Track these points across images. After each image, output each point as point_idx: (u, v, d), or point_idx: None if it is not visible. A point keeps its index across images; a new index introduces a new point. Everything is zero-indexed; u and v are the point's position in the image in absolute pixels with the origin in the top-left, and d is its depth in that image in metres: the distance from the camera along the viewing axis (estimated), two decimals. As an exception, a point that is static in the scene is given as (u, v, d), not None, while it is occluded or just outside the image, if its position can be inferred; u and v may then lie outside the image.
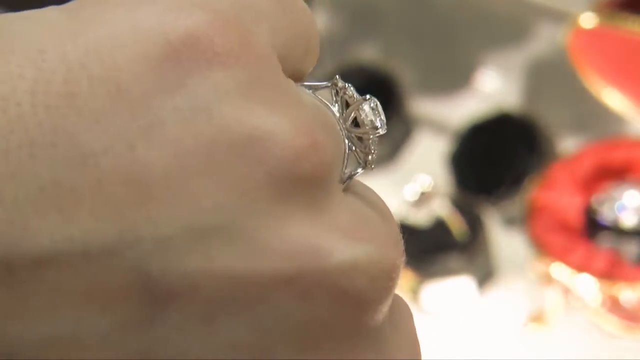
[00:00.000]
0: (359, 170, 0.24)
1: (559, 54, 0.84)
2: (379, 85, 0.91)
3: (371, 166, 0.24)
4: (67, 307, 0.20)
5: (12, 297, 0.20)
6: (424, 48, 0.96)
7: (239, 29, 0.22)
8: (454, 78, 0.95)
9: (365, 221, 0.23)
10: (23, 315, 0.20)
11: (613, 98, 0.84)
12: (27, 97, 0.20)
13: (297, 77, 0.24)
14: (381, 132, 0.24)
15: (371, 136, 0.24)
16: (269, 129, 0.21)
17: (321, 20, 0.94)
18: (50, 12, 0.22)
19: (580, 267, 0.75)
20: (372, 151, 0.24)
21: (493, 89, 0.94)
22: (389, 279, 0.22)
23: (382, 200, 0.25)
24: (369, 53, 0.98)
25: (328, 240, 0.21)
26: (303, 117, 0.22)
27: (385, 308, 0.22)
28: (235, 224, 0.21)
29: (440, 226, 0.80)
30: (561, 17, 0.84)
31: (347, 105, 0.24)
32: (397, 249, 0.23)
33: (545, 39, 0.91)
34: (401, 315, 0.24)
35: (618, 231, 0.77)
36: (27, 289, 0.20)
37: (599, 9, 0.81)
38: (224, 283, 0.21)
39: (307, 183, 0.22)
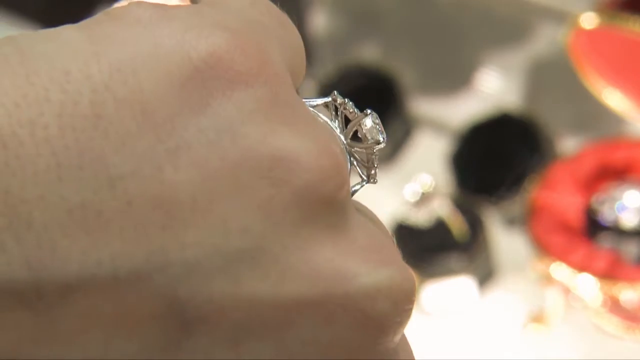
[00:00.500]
0: (364, 184, 0.24)
1: (560, 54, 0.84)
2: (379, 86, 0.91)
3: (374, 180, 0.24)
4: (96, 332, 0.20)
5: (41, 321, 0.20)
6: (424, 48, 0.96)
7: (257, 47, 0.22)
8: (455, 78, 0.96)
9: (381, 242, 0.23)
10: (52, 340, 0.20)
11: (613, 98, 0.84)
12: (54, 120, 0.20)
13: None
14: (382, 146, 0.24)
15: (374, 150, 0.24)
16: (293, 149, 0.21)
17: (322, 21, 0.95)
18: (69, 32, 0.22)
19: (581, 267, 0.75)
20: (375, 165, 0.24)
21: (493, 89, 0.94)
22: (409, 301, 0.22)
23: (374, 214, 0.25)
24: (369, 53, 0.98)
25: (352, 264, 0.21)
26: (322, 136, 0.22)
27: (403, 329, 0.23)
28: (262, 247, 0.21)
29: (440, 226, 0.80)
30: (562, 18, 0.84)
31: (347, 120, 0.24)
32: (409, 270, 0.23)
33: (545, 39, 0.91)
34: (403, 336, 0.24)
35: (618, 231, 0.77)
36: (56, 314, 0.20)
37: (599, 9, 0.81)
38: (250, 307, 0.21)
39: (331, 204, 0.22)
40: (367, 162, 0.24)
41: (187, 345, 0.21)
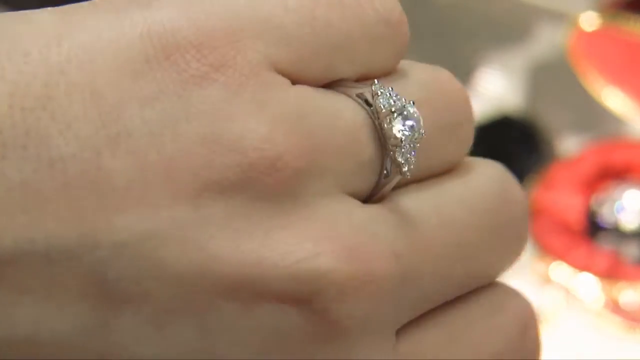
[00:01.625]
0: (396, 178, 0.24)
1: (560, 55, 0.85)
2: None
3: (407, 175, 0.24)
4: (25, 306, 0.21)
5: None
6: (424, 49, 0.96)
7: (226, 41, 0.23)
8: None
9: (350, 235, 0.23)
10: None
11: (614, 99, 0.85)
12: (5, 99, 0.21)
13: (362, 77, 0.25)
14: (419, 137, 0.24)
15: (410, 144, 0.24)
16: (233, 139, 0.22)
17: None
18: (42, 14, 0.22)
19: (581, 268, 0.75)
20: (410, 159, 0.24)
21: (494, 90, 0.94)
22: (368, 299, 0.22)
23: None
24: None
25: (274, 252, 0.22)
26: (278, 128, 0.22)
27: (371, 337, 0.23)
28: (189, 236, 0.21)
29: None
30: (562, 19, 0.84)
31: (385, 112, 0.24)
32: (386, 267, 0.23)
33: (546, 41, 0.91)
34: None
35: (619, 232, 0.77)
36: None
37: (600, 10, 0.81)
38: (174, 290, 0.22)
39: (266, 195, 0.22)
40: (402, 156, 0.24)
41: (116, 326, 0.22)
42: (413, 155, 0.24)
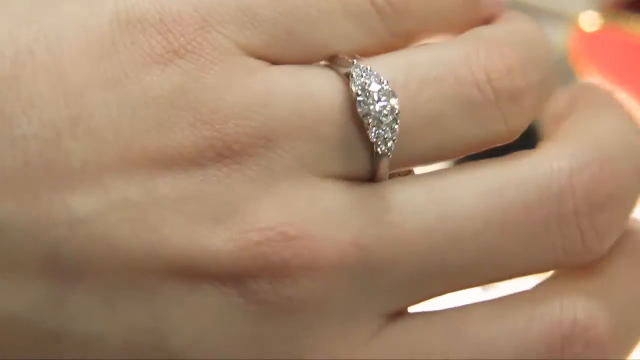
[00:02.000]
0: (382, 158, 0.24)
1: (560, 55, 0.84)
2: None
3: (387, 154, 0.24)
4: None
5: None
6: None
7: (193, 27, 0.23)
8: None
9: (290, 219, 0.23)
10: None
11: None
12: None
13: (384, 47, 0.25)
14: (394, 117, 0.24)
15: (387, 124, 0.24)
16: (185, 129, 0.23)
17: None
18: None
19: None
20: (388, 138, 0.24)
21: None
22: (278, 275, 0.23)
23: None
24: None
25: (220, 237, 0.22)
26: (235, 114, 0.23)
27: (280, 291, 0.23)
28: (140, 218, 0.22)
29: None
30: (562, 19, 0.84)
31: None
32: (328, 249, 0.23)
33: None
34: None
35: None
36: None
37: (600, 10, 0.81)
38: (125, 270, 0.22)
39: (219, 178, 0.23)
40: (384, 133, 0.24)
41: (70, 303, 0.22)
42: (392, 134, 0.24)
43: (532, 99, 0.27)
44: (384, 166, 0.24)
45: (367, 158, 0.24)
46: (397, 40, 0.26)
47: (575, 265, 0.26)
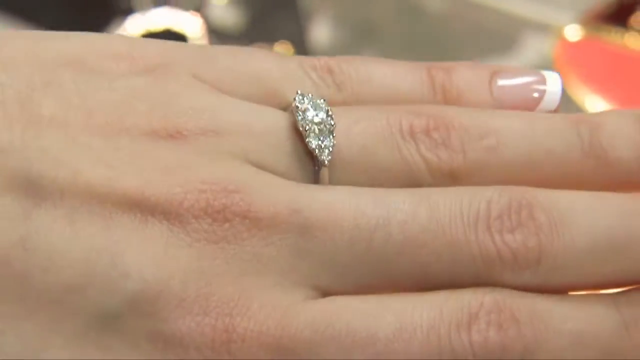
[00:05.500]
0: (320, 165, 0.26)
1: (546, 64, 0.85)
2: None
3: (325, 162, 0.26)
4: None
5: None
6: (414, 59, 0.96)
7: (153, 57, 0.27)
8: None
9: (231, 178, 0.25)
10: None
11: (597, 107, 0.86)
12: None
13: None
14: (329, 126, 0.26)
15: (321, 133, 0.26)
16: (141, 112, 0.26)
17: (325, 32, 1.00)
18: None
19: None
20: (323, 147, 0.26)
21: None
22: (204, 215, 0.25)
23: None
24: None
25: (167, 183, 0.25)
26: (191, 113, 0.26)
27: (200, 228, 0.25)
28: (102, 157, 0.25)
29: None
30: (548, 30, 0.86)
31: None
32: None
33: (532, 51, 0.92)
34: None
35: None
36: None
37: (583, 22, 0.83)
38: (85, 195, 0.25)
39: (174, 142, 0.25)
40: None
41: (36, 216, 0.24)
42: (328, 144, 0.26)
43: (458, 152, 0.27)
44: (324, 174, 0.26)
45: (307, 169, 0.26)
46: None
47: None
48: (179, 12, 0.84)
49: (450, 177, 0.26)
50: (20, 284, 0.24)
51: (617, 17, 0.82)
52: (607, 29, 0.82)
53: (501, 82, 0.28)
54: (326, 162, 0.26)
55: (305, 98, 0.26)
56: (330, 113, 0.26)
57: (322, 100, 0.27)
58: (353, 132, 0.26)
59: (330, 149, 0.26)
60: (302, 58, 0.28)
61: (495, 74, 0.29)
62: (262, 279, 0.25)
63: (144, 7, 0.82)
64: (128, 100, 0.26)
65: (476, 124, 0.27)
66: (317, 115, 0.26)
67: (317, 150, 0.26)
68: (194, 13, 0.85)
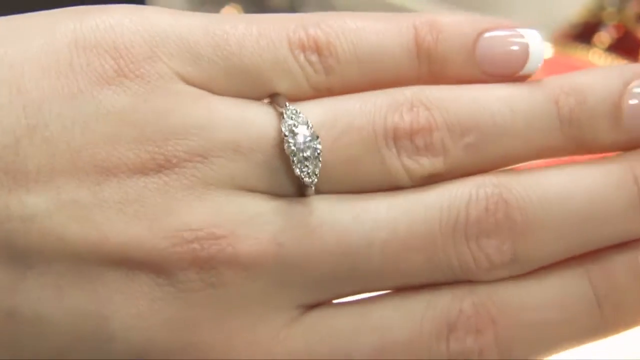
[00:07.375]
0: (306, 187, 0.26)
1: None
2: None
3: (311, 186, 0.26)
4: None
5: None
6: None
7: (142, 56, 0.25)
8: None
9: (214, 221, 0.25)
10: None
11: None
12: None
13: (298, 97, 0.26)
14: (314, 153, 0.26)
15: (305, 159, 0.26)
16: (129, 143, 0.25)
17: None
18: None
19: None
20: (308, 173, 0.26)
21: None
22: (194, 266, 0.25)
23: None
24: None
25: (157, 236, 0.24)
26: (173, 134, 0.25)
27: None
28: (86, 216, 0.24)
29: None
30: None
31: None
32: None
33: None
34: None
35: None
36: None
37: (554, 40, 0.88)
38: (71, 260, 0.24)
39: (159, 185, 0.25)
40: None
41: (23, 286, 0.24)
42: (315, 169, 0.26)
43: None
44: (309, 193, 0.26)
45: (293, 185, 0.26)
46: (333, 87, 0.27)
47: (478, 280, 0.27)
48: None
49: (430, 178, 0.27)
50: (12, 353, 0.24)
51: (583, 36, 0.88)
52: (574, 47, 0.86)
53: (484, 49, 0.28)
54: (312, 187, 0.26)
55: (292, 117, 0.26)
56: (316, 135, 0.26)
57: (309, 125, 0.26)
58: (338, 147, 0.26)
59: (317, 174, 0.26)
60: (290, 33, 0.27)
61: (480, 36, 0.28)
62: (247, 317, 0.25)
63: None
64: (116, 131, 0.25)
65: (458, 119, 0.27)
66: (303, 142, 0.26)
67: (302, 177, 0.26)
68: None
